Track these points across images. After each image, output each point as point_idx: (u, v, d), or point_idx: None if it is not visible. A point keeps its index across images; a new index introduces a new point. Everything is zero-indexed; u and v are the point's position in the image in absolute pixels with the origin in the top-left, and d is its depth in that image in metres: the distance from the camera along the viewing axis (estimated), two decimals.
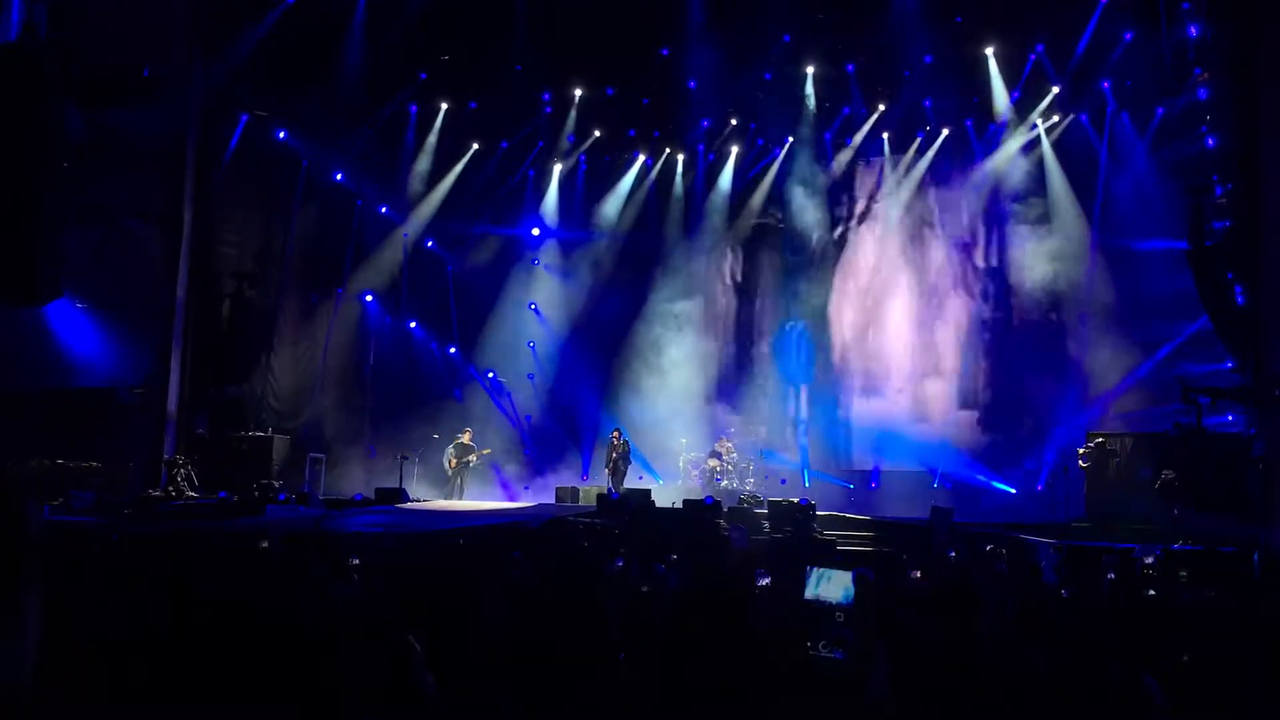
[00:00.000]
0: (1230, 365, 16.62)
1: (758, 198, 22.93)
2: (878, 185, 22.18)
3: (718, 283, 23.25)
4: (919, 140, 21.47)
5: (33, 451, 17.14)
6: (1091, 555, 10.35)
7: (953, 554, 7.02)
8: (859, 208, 22.38)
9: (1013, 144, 20.50)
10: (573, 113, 22.16)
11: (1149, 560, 10.56)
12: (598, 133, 22.76)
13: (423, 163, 22.49)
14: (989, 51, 19.64)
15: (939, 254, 21.52)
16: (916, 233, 21.81)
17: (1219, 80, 17.12)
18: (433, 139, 22.38)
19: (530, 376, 23.59)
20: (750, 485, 20.49)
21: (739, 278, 23.29)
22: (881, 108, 21.23)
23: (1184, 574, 6.95)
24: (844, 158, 22.19)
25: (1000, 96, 20.09)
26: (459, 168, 22.76)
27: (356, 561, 6.90)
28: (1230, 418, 16.42)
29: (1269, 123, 15.89)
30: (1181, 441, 14.51)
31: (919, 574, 8.94)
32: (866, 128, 21.57)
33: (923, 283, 21.66)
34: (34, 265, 16.78)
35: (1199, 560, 10.98)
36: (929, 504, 16.18)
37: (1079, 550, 10.14)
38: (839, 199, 22.48)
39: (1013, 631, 4.64)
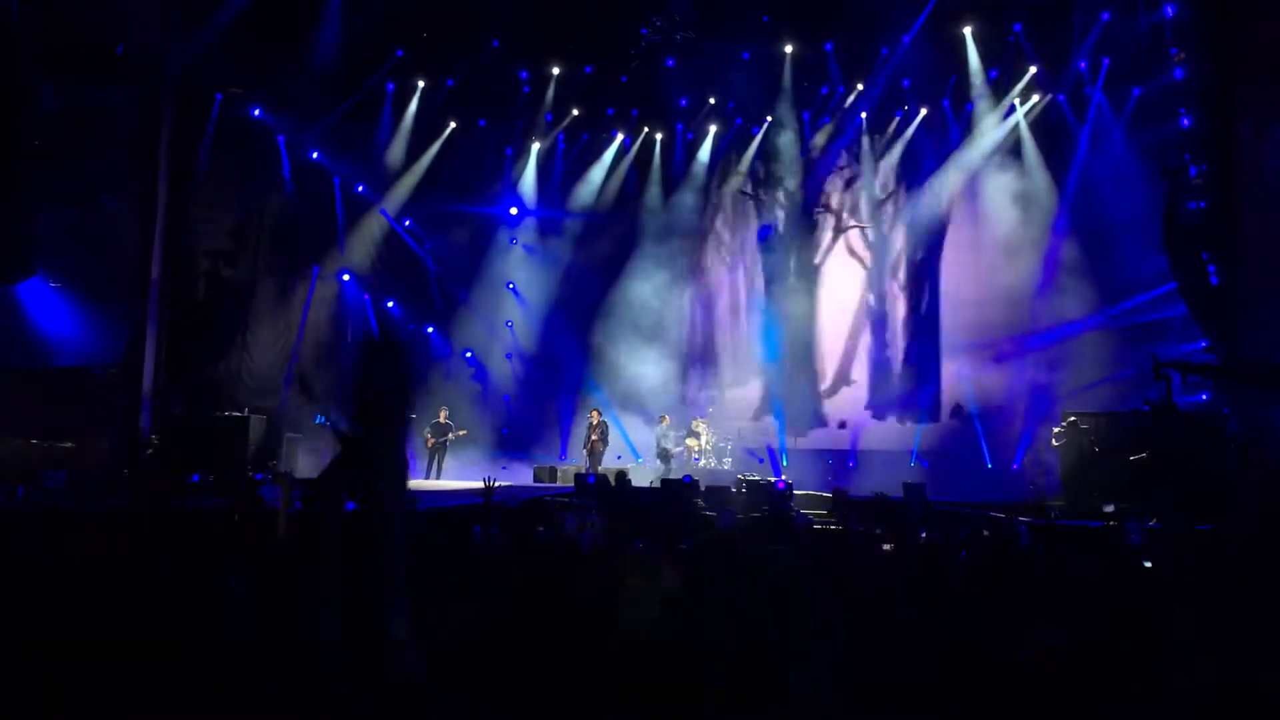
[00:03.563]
0: (1204, 345, 16.73)
1: (736, 177, 22.96)
2: (855, 163, 22.21)
3: (696, 261, 23.27)
4: (897, 119, 21.50)
5: (6, 431, 17.02)
6: (1065, 534, 10.44)
7: (924, 535, 7.05)
8: (836, 186, 22.40)
9: (990, 123, 20.54)
10: (550, 91, 22.07)
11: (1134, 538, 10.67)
12: (576, 111, 22.65)
13: (400, 141, 22.35)
14: (967, 31, 19.66)
15: (915, 232, 21.57)
16: (893, 210, 21.87)
17: (1195, 61, 17.20)
18: (410, 117, 22.24)
19: (509, 356, 23.57)
20: (728, 465, 20.57)
21: (718, 256, 23.31)
22: (860, 87, 21.22)
23: (1149, 564, 7.01)
24: (821, 136, 22.20)
25: (978, 76, 20.13)
26: (436, 146, 22.63)
27: None
28: (1205, 396, 16.53)
29: (1243, 103, 15.98)
30: (1154, 419, 14.57)
31: (889, 547, 9.00)
32: (845, 106, 21.58)
33: (898, 260, 21.75)
34: (6, 244, 16.70)
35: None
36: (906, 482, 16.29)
37: (1052, 528, 10.21)
38: (817, 177, 22.49)
39: (981, 603, 4.68)
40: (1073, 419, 16.18)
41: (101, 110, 18.86)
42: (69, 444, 17.61)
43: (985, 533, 8.38)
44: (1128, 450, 14.67)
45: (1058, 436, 16.36)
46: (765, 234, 22.53)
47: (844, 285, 22.23)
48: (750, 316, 22.84)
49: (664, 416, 21.15)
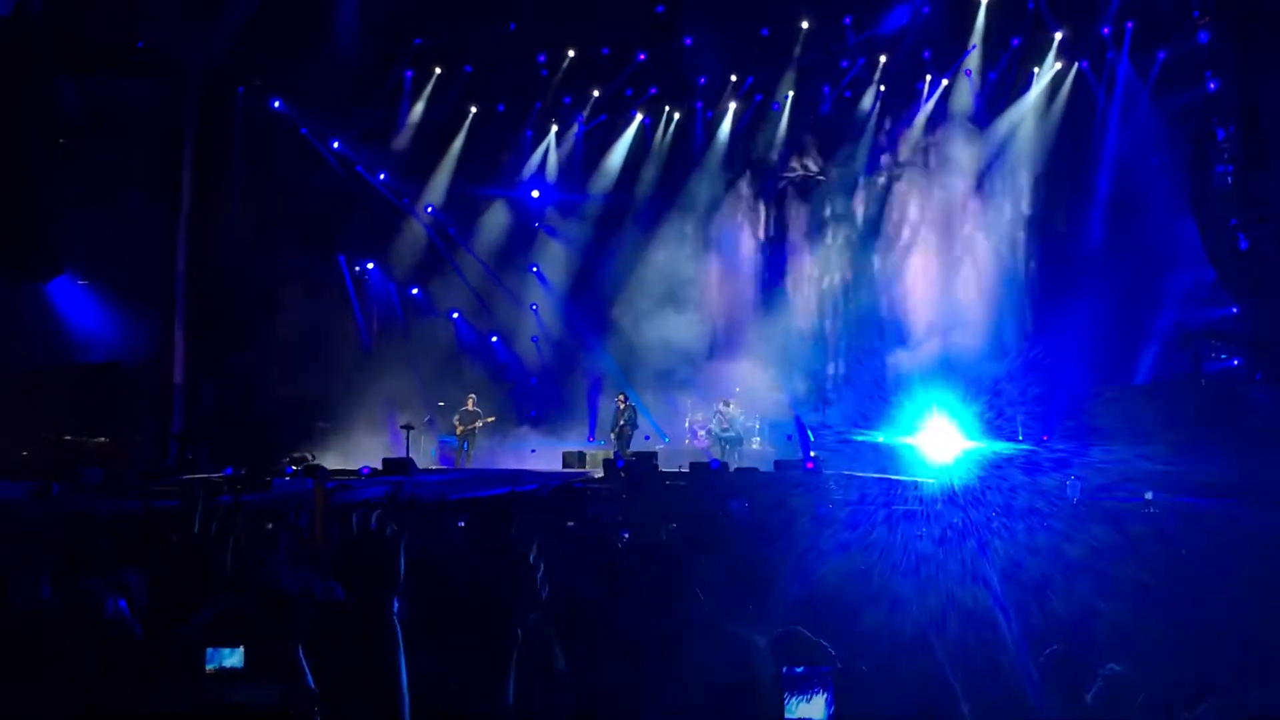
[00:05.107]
0: (1234, 311, 16.55)
1: (758, 151, 22.88)
2: (883, 135, 22.01)
3: (721, 239, 23.19)
4: (919, 91, 21.26)
5: (40, 428, 17.23)
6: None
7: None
8: (863, 159, 22.20)
9: (1013, 92, 20.35)
10: (569, 73, 22.02)
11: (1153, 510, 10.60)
12: (596, 93, 22.59)
13: (420, 128, 22.36)
14: (983, 1, 19.51)
15: (941, 205, 21.39)
16: (917, 183, 21.69)
17: (1218, 24, 16.96)
18: (429, 104, 22.24)
19: (534, 339, 23.62)
20: (756, 445, 20.54)
21: (743, 232, 23.22)
22: (883, 59, 21.02)
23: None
24: (844, 110, 22.07)
25: (997, 45, 19.96)
26: (457, 133, 22.64)
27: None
28: (1236, 362, 16.36)
29: (1268, 65, 15.75)
30: (1184, 388, 14.44)
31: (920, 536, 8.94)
32: (867, 79, 21.43)
33: (926, 236, 21.59)
34: (35, 243, 16.89)
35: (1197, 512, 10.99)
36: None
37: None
38: (843, 151, 22.32)
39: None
40: (1102, 391, 15.96)
41: (123, 105, 18.97)
42: (102, 439, 17.82)
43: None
44: (1156, 422, 14.44)
45: (1089, 408, 16.15)
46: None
47: (869, 256, 22.08)
48: (775, 291, 22.75)
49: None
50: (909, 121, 21.54)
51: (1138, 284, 18.58)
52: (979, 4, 19.60)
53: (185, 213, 19.73)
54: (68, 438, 17.39)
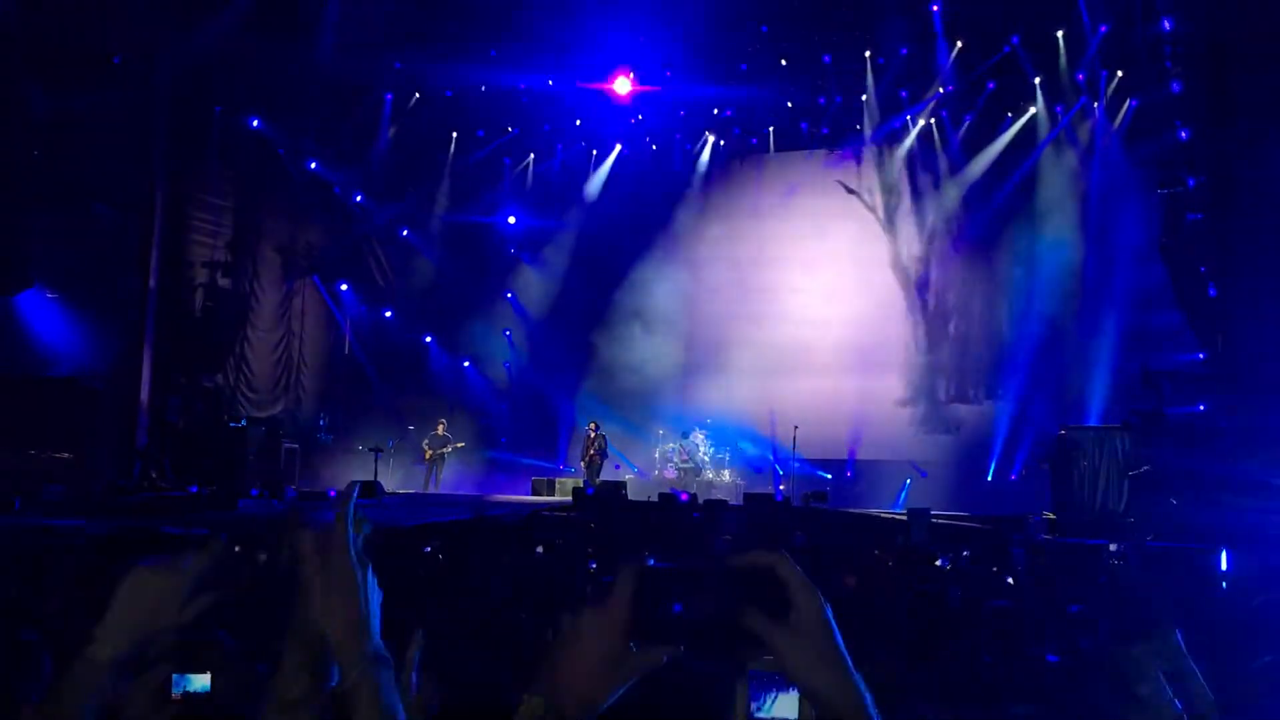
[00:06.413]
0: (1202, 356, 16.71)
1: (734, 184, 22.96)
2: (855, 174, 22.12)
3: (697, 270, 23.17)
4: (895, 131, 21.39)
5: (1, 442, 16.95)
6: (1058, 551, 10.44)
7: (941, 563, 7.01)
8: (837, 195, 22.29)
9: (988, 135, 20.54)
10: (549, 100, 22.03)
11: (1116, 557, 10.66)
12: (578, 121, 22.63)
13: (398, 151, 22.32)
14: (959, 44, 19.68)
15: (916, 245, 21.48)
16: (893, 223, 21.77)
17: (1191, 73, 17.22)
18: (408, 127, 22.21)
19: (506, 365, 23.57)
20: (726, 477, 20.52)
21: (718, 265, 23.22)
22: (864, 98, 21.12)
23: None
24: (821, 147, 22.19)
25: (970, 88, 20.17)
26: (434, 157, 22.64)
27: None
28: (1203, 406, 16.48)
29: (1239, 115, 15.99)
30: (1144, 432, 14.50)
31: (892, 563, 8.93)
32: (843, 117, 21.55)
33: (897, 272, 21.65)
34: (3, 255, 16.70)
35: (1168, 556, 11.07)
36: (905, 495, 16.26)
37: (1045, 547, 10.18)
38: (817, 185, 22.41)
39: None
40: (1062, 433, 16.00)
41: (96, 117, 18.80)
42: (65, 455, 17.55)
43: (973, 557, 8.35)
44: (1116, 465, 14.52)
45: (1049, 451, 16.19)
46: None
47: (848, 295, 22.09)
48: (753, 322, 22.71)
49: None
50: (887, 158, 21.63)
51: (1105, 325, 18.78)
52: (955, 45, 19.79)
53: (157, 228, 19.54)
54: (31, 452, 17.11)
